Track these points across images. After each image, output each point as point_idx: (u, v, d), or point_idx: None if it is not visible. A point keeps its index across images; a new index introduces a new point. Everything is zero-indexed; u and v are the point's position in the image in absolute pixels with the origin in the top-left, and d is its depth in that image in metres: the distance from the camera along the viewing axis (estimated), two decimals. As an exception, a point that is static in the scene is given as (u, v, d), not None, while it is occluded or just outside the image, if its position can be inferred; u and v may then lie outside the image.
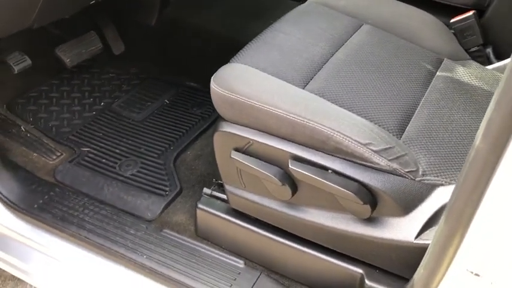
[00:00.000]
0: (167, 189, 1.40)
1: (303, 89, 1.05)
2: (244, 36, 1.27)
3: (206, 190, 1.22)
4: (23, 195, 1.37)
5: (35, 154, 1.51)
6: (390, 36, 1.25)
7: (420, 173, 0.93)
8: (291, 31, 1.22)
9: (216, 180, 1.24)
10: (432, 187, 0.92)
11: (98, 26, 1.80)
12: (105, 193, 1.40)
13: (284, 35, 1.21)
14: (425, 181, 0.92)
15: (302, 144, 0.97)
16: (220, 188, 1.21)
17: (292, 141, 0.98)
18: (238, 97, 0.99)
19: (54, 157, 1.51)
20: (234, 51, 1.15)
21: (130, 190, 1.40)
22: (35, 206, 1.35)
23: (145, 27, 1.86)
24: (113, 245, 1.24)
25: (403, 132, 1.00)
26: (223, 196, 1.19)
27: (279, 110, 0.96)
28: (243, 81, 1.03)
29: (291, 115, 0.95)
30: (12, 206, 1.34)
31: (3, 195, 1.34)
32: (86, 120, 1.66)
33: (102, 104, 1.74)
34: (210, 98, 1.06)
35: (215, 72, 1.08)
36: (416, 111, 1.06)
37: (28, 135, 1.57)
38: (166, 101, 1.77)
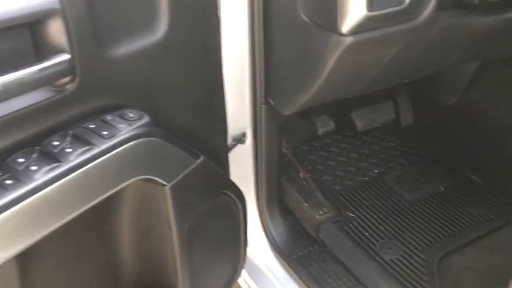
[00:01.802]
0: (426, 293, 1.30)
1: None
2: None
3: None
4: (287, 242, 1.46)
5: (305, 204, 1.59)
6: None
7: None
8: None
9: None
10: None
11: (394, 96, 1.81)
12: (360, 270, 1.38)
13: None
14: None
15: None
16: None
17: None
18: None
19: (321, 212, 1.57)
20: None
21: (386, 277, 1.35)
22: (294, 256, 1.43)
23: (440, 105, 1.79)
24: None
25: None
26: None
27: None
28: None
29: None
30: (276, 248, 1.44)
31: (273, 236, 1.45)
32: (357, 183, 1.68)
33: (376, 171, 1.73)
34: (491, 199, 0.92)
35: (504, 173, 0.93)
36: None
37: (304, 183, 1.67)
38: (441, 187, 1.66)
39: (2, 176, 0.70)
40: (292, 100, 1.23)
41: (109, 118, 0.83)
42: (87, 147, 0.77)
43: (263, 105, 1.30)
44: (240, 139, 1.36)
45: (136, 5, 0.88)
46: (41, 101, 0.76)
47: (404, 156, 1.80)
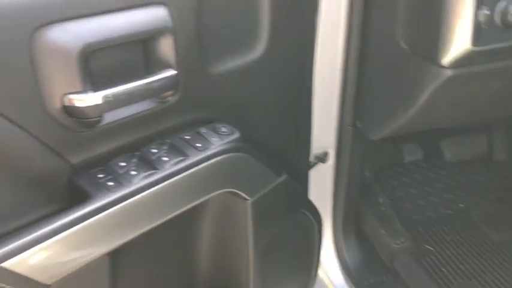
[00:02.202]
0: None
1: None
2: None
3: None
4: (359, 267, 1.43)
5: (382, 231, 1.55)
6: None
7: None
8: None
9: None
10: None
11: (489, 127, 1.71)
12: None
13: None
14: None
15: None
16: None
17: None
18: None
19: (398, 242, 1.52)
20: None
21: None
22: (366, 282, 1.40)
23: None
24: None
25: None
26: None
27: None
28: None
29: None
30: (348, 273, 1.42)
31: (345, 260, 1.43)
32: (439, 215, 1.61)
33: (461, 205, 1.65)
34: None
35: None
36: None
37: (383, 208, 1.63)
38: (533, 232, 1.55)
39: (105, 177, 0.76)
40: (382, 126, 1.21)
41: (203, 131, 0.87)
42: (181, 158, 0.81)
43: (350, 127, 1.29)
44: (321, 158, 1.36)
45: (240, 24, 0.92)
46: (144, 110, 0.82)
47: (493, 193, 1.69)
